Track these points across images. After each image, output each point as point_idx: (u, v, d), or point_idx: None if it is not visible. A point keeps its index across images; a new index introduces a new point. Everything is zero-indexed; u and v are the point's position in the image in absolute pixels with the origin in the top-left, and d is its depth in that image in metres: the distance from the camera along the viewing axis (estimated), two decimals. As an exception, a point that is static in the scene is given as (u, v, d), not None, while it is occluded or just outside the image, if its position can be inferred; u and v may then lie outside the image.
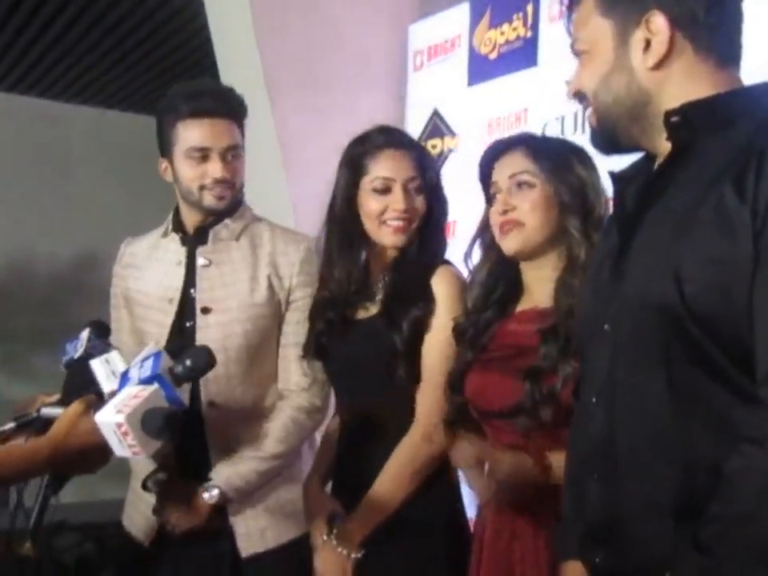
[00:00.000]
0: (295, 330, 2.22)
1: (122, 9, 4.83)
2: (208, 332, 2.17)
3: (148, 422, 1.41)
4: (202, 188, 2.18)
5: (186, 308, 2.21)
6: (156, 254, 2.30)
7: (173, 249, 2.27)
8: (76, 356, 1.70)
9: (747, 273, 1.18)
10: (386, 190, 2.04)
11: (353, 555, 1.97)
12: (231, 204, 2.23)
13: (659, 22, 1.32)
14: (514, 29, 3.01)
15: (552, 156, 1.86)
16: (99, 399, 1.52)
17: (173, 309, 2.21)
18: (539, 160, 1.85)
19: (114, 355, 1.60)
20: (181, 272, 2.23)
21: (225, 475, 2.14)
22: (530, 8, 2.96)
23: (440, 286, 2.02)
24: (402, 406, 2.03)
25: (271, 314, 2.22)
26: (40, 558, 1.47)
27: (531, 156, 1.86)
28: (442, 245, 2.14)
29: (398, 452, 1.99)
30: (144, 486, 2.16)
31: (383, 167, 2.05)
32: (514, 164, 1.87)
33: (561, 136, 2.65)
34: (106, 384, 1.55)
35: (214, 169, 2.16)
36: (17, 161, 6.29)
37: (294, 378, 2.23)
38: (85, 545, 4.12)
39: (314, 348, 2.15)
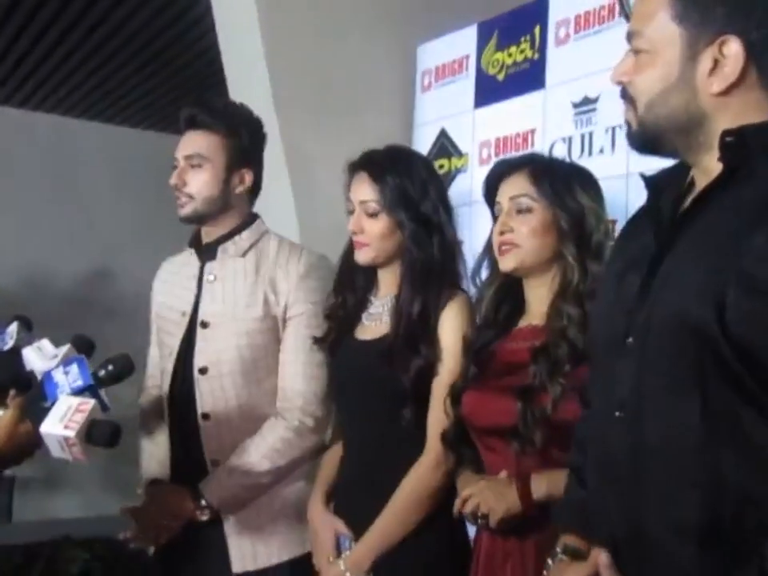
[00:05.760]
0: (293, 346, 2.21)
1: (133, 26, 4.88)
2: (206, 345, 2.22)
3: (93, 434, 1.57)
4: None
5: (196, 322, 2.25)
6: (184, 269, 2.36)
7: (192, 263, 2.33)
8: (5, 348, 1.82)
9: None
10: (351, 212, 2.11)
11: None
12: (197, 214, 2.26)
13: (735, 49, 1.27)
14: (522, 51, 3.03)
15: (554, 181, 1.89)
16: (29, 388, 1.68)
17: (185, 321, 2.26)
18: (541, 184, 1.88)
19: (44, 342, 1.76)
20: (193, 286, 2.28)
21: (211, 490, 2.15)
22: (537, 30, 2.98)
23: (447, 327, 2.02)
24: (406, 437, 2.03)
25: (267, 329, 2.22)
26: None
27: (534, 179, 1.89)
28: (442, 278, 2.06)
29: (410, 479, 1.99)
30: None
31: (351, 190, 2.13)
32: (516, 186, 1.90)
33: (567, 158, 2.67)
34: (42, 368, 1.71)
35: (172, 175, 2.25)
36: (26, 176, 6.32)
37: (289, 396, 2.21)
38: (89, 559, 4.13)
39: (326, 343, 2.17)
